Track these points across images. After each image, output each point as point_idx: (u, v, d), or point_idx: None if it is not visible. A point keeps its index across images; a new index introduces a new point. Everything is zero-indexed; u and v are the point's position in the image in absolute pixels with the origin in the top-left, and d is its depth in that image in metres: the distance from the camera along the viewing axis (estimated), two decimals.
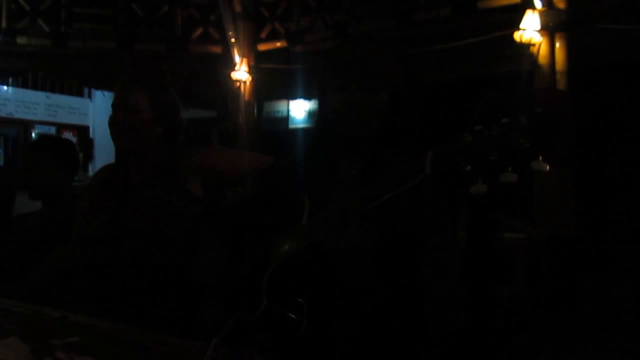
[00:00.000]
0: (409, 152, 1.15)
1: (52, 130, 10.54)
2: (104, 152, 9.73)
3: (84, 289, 1.69)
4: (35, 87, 10.20)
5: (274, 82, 6.69)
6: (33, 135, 10.20)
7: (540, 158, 0.86)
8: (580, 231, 4.58)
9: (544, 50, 4.65)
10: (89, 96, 11.15)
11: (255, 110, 6.86)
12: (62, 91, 10.69)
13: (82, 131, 11.04)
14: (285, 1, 6.56)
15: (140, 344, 1.25)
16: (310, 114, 7.81)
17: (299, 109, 8.03)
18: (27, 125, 10.21)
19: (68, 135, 10.44)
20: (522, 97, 0.90)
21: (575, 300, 4.29)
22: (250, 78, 6.53)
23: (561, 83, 4.61)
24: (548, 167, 0.86)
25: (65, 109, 10.76)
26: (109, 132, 1.71)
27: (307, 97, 7.34)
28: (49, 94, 10.45)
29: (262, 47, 6.65)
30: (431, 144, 0.97)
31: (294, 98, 7.85)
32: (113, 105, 1.72)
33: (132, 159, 1.75)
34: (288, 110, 8.18)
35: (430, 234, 1.16)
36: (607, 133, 5.28)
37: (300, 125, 7.89)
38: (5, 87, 9.72)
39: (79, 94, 11.08)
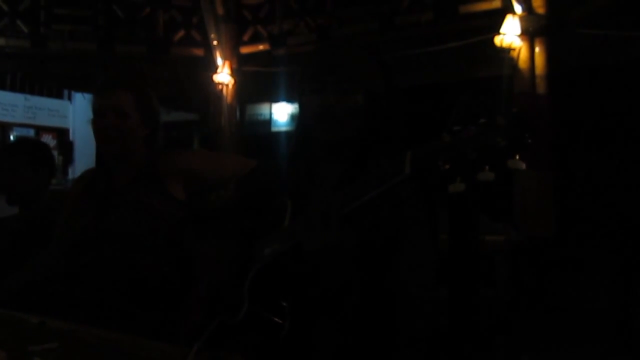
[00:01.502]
0: (389, 156, 1.16)
1: (31, 132, 10.39)
2: (84, 155, 9.62)
3: (63, 294, 1.66)
4: (13, 89, 10.04)
5: (257, 85, 6.68)
6: (11, 137, 10.04)
7: (517, 157, 0.88)
8: (560, 233, 4.64)
9: (524, 55, 4.71)
10: (69, 98, 11.02)
11: (238, 113, 6.84)
12: (41, 93, 10.54)
13: (61, 134, 10.89)
14: (268, 4, 6.56)
15: (121, 350, 1.24)
16: (293, 117, 7.81)
17: (282, 112, 8.02)
18: (5, 127, 10.04)
19: (47, 137, 10.29)
20: (501, 100, 0.92)
21: (556, 301, 4.34)
22: (232, 81, 6.52)
23: (541, 87, 4.67)
24: (524, 166, 0.87)
25: (44, 111, 10.61)
26: (90, 135, 1.68)
27: (290, 100, 7.33)
28: (28, 96, 10.30)
29: (245, 49, 6.64)
30: (409, 146, 0.99)
31: (276, 101, 7.84)
32: (99, 109, 1.68)
33: (114, 162, 1.74)
34: (270, 113, 8.17)
35: (408, 234, 1.18)
36: (586, 136, 5.36)
37: (283, 129, 7.88)
38: None
39: (59, 96, 10.93)
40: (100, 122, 1.67)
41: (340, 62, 1.24)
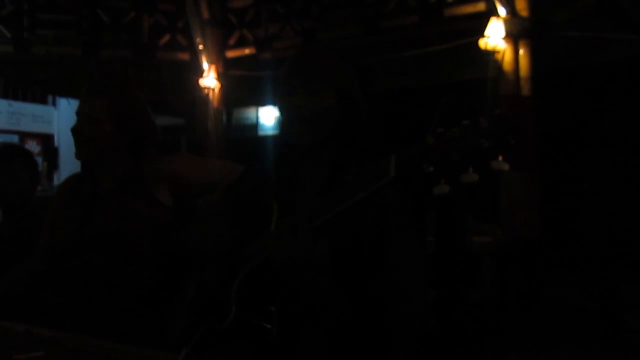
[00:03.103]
0: (371, 158, 1.16)
1: (15, 138, 10.28)
2: (69, 161, 9.52)
3: (49, 301, 1.65)
4: None
5: (243, 89, 6.67)
6: None
7: (500, 158, 0.88)
8: (547, 234, 4.68)
9: (508, 57, 4.75)
10: (54, 104, 10.92)
11: (224, 117, 6.83)
12: (25, 99, 10.43)
13: (46, 140, 10.79)
14: (254, 8, 6.56)
15: (108, 357, 1.23)
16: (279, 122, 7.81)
17: (268, 116, 8.02)
18: None
19: (32, 143, 10.20)
20: (485, 102, 0.93)
21: (542, 301, 4.37)
22: (218, 85, 6.50)
23: (525, 89, 4.72)
24: (508, 167, 0.88)
25: (28, 117, 10.50)
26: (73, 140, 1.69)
27: (276, 104, 7.33)
28: (11, 102, 10.18)
29: (231, 53, 6.64)
30: (395, 149, 0.99)
31: (263, 105, 7.84)
32: (76, 115, 1.69)
33: (98, 168, 1.73)
34: (257, 117, 8.16)
35: (395, 237, 1.18)
36: (571, 137, 5.42)
37: (270, 132, 7.87)
38: None
39: (43, 101, 10.83)
40: (73, 127, 1.68)
41: (308, 64, 1.25)
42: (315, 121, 1.21)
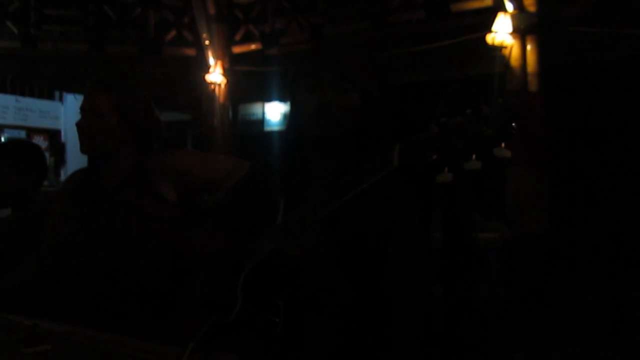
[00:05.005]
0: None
1: (23, 134, 10.33)
2: (76, 156, 9.56)
3: (56, 296, 1.65)
4: (4, 91, 9.97)
5: (249, 84, 6.67)
6: (2, 139, 9.98)
7: (503, 145, 0.88)
8: (553, 229, 4.66)
9: (515, 53, 4.73)
10: (60, 99, 10.96)
11: (230, 113, 6.83)
12: (32, 94, 10.48)
13: (53, 135, 10.84)
14: (260, 3, 6.55)
15: (115, 351, 1.23)
16: (286, 117, 7.78)
17: (274, 112, 8.02)
18: None
19: (39, 139, 10.24)
20: (492, 98, 0.92)
21: (549, 298, 4.36)
22: (224, 80, 6.50)
23: (532, 85, 4.69)
24: (510, 154, 0.88)
25: (35, 113, 10.55)
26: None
27: (283, 100, 7.33)
28: (19, 98, 10.24)
29: (237, 49, 6.63)
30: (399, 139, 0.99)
31: (269, 100, 7.83)
32: (80, 110, 1.70)
33: (103, 163, 1.73)
34: (263, 113, 8.16)
35: (400, 235, 1.18)
36: (578, 133, 5.39)
37: (276, 128, 7.87)
38: None
39: (50, 97, 10.88)
40: (78, 122, 1.68)
41: (337, 61, 1.25)
42: (341, 117, 1.21)
